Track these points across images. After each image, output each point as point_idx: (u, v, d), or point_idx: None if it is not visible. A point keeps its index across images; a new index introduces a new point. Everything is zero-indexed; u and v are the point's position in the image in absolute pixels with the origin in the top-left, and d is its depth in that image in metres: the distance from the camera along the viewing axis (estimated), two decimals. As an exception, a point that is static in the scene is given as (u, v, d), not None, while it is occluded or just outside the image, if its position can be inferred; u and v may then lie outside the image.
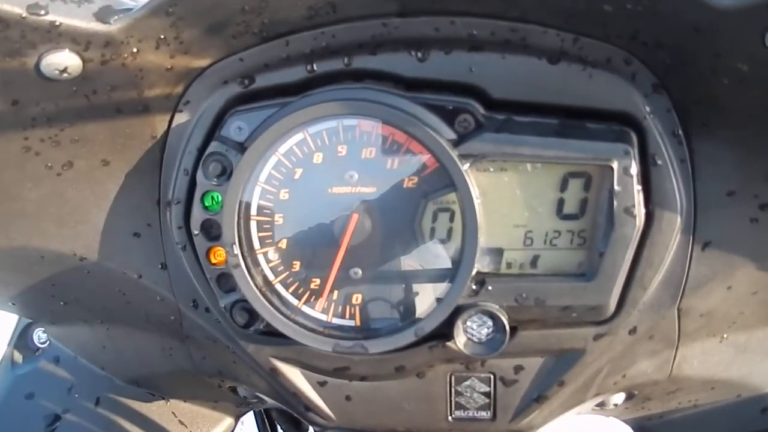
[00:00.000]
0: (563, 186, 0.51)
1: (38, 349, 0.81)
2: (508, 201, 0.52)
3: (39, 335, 0.82)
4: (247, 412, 0.85)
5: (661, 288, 0.54)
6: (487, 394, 0.58)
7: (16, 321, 0.83)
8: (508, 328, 0.51)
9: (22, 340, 0.81)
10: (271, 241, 0.54)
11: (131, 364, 0.74)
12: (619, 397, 0.66)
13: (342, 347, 0.52)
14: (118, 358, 0.74)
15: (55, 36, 0.44)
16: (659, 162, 0.51)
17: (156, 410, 0.78)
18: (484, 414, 0.58)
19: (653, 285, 0.54)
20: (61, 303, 0.67)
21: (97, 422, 0.76)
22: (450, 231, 0.53)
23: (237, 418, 0.82)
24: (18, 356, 0.80)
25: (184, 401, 0.79)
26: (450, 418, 0.58)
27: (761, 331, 0.62)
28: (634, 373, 0.61)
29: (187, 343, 0.66)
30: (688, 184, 0.52)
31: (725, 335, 0.61)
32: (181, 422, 0.79)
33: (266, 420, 0.90)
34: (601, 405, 0.67)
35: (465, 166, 0.49)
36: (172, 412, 0.79)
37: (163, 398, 0.79)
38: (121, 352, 0.73)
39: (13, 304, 0.69)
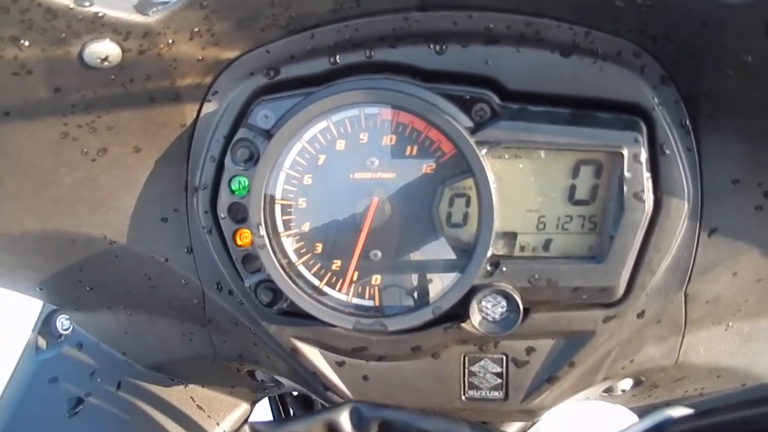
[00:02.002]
0: (575, 173, 0.54)
1: (61, 335, 0.84)
2: (522, 187, 0.54)
3: (62, 322, 0.84)
4: (263, 397, 0.87)
5: (668, 273, 0.56)
6: (499, 375, 0.60)
7: (40, 309, 0.86)
8: (521, 307, 0.53)
9: (46, 326, 0.84)
10: (294, 224, 0.56)
11: (152, 350, 0.76)
12: (627, 383, 0.68)
13: (362, 325, 0.54)
14: (140, 343, 0.77)
15: (98, 26, 0.46)
16: (667, 151, 0.54)
17: (175, 395, 0.81)
18: (496, 394, 0.60)
19: (661, 270, 0.56)
20: (87, 288, 0.69)
21: (118, 405, 0.78)
22: (466, 216, 0.55)
23: (253, 404, 0.84)
24: (42, 342, 0.83)
25: (202, 387, 0.82)
26: (463, 397, 0.60)
27: (765, 321, 0.64)
28: (641, 359, 0.63)
29: (208, 327, 0.68)
30: (695, 172, 0.55)
31: (730, 323, 0.63)
32: (199, 407, 0.82)
33: (281, 405, 0.92)
34: (609, 391, 0.69)
35: (482, 152, 0.52)
36: (191, 397, 0.81)
37: (182, 383, 0.81)
38: (143, 337, 0.75)
39: (40, 289, 0.72)
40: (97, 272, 0.66)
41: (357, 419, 0.50)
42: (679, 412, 0.44)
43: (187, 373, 0.79)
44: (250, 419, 0.85)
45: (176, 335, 0.72)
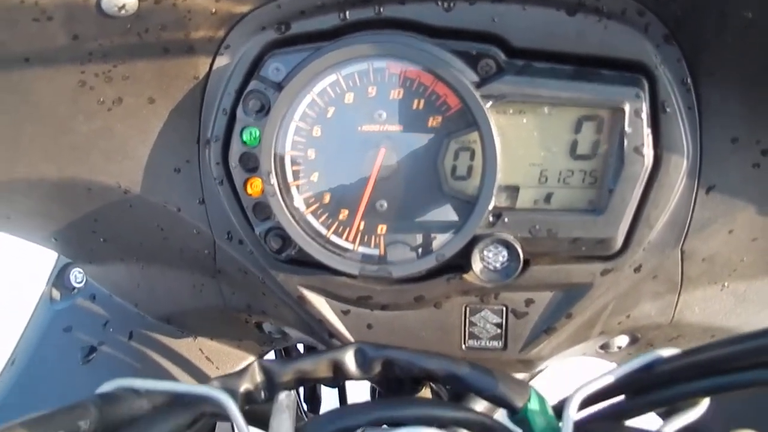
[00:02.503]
0: (577, 128, 0.55)
1: (75, 288, 0.86)
2: (525, 141, 0.56)
3: (76, 275, 0.87)
4: (270, 350, 0.90)
5: (665, 229, 0.58)
6: (499, 326, 0.62)
7: (53, 264, 0.89)
8: (521, 256, 0.55)
9: (59, 279, 0.86)
10: (303, 174, 0.58)
11: (163, 302, 0.79)
12: (623, 340, 0.70)
13: (367, 271, 0.56)
14: (151, 295, 0.79)
15: None
16: (668, 109, 0.55)
17: (185, 346, 0.84)
18: (495, 344, 0.63)
19: (659, 225, 0.58)
20: (101, 240, 0.71)
21: (130, 354, 0.81)
22: (470, 169, 0.57)
23: (260, 357, 0.87)
24: (56, 294, 0.86)
25: (211, 339, 0.84)
26: (463, 346, 0.63)
27: (760, 281, 0.65)
28: (638, 315, 0.65)
29: (218, 278, 0.70)
30: (694, 130, 0.56)
31: (726, 283, 0.65)
32: (207, 358, 0.84)
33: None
34: (605, 348, 0.72)
35: (486, 106, 0.53)
36: (200, 349, 0.84)
37: (192, 336, 0.84)
38: (154, 290, 0.78)
39: (55, 239, 0.74)
40: (111, 222, 0.68)
41: (361, 358, 0.52)
42: (668, 352, 0.46)
43: (197, 325, 0.82)
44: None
45: (187, 287, 0.74)
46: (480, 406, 0.59)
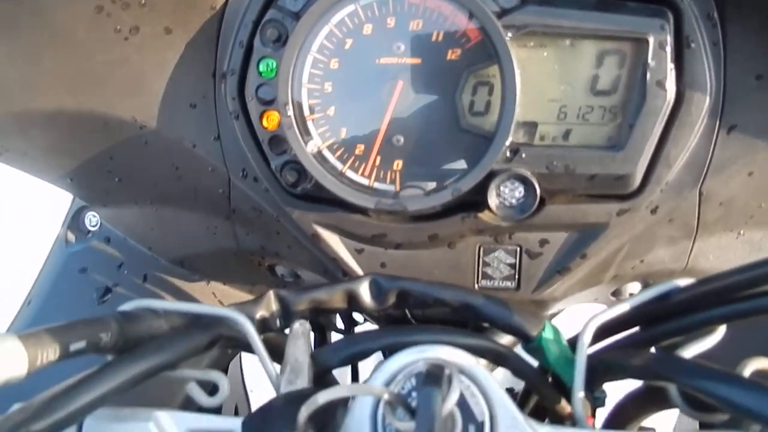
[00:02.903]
0: (599, 62, 0.54)
1: (89, 231, 0.87)
2: (545, 76, 0.55)
3: (90, 219, 0.87)
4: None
5: (684, 169, 0.58)
6: (512, 266, 0.62)
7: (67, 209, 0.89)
8: (538, 191, 0.55)
9: (74, 222, 0.87)
10: (320, 108, 0.57)
11: (177, 244, 0.79)
12: (636, 287, 0.70)
13: (383, 205, 0.56)
14: (165, 238, 0.80)
15: None
16: (693, 44, 0.54)
17: (198, 290, 0.84)
18: (508, 284, 0.63)
19: (678, 164, 0.57)
20: (116, 180, 0.72)
21: (144, 296, 0.82)
22: (488, 104, 0.56)
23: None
24: (71, 236, 0.86)
25: (224, 284, 0.85)
26: (476, 286, 0.63)
27: None
28: (651, 260, 0.64)
29: (232, 219, 0.70)
30: (719, 67, 0.55)
31: (742, 231, 0.64)
32: (220, 302, 0.85)
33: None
34: (617, 294, 0.72)
35: (507, 37, 0.52)
36: (212, 293, 0.85)
37: (205, 280, 0.85)
38: (168, 232, 0.78)
39: (71, 179, 0.74)
40: (127, 160, 0.68)
41: (376, 289, 0.52)
42: (684, 281, 0.46)
43: (210, 269, 0.83)
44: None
45: (200, 229, 0.74)
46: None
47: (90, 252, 0.84)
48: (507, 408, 0.39)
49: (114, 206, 0.80)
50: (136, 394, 0.47)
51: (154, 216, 0.77)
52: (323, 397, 0.35)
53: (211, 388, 0.46)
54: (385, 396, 0.35)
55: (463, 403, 0.38)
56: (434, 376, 0.34)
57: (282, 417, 0.38)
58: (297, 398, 0.40)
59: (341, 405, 0.39)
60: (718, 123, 0.56)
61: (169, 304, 0.47)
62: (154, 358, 0.41)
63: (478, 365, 0.39)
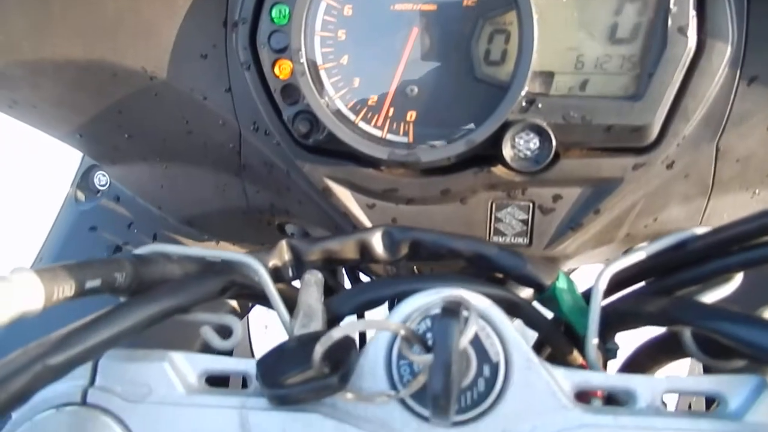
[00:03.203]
0: (619, 9, 0.53)
1: (99, 191, 0.87)
2: (563, 23, 0.54)
3: (99, 178, 0.87)
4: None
5: (702, 122, 0.57)
6: (525, 222, 0.62)
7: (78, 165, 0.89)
8: (554, 142, 0.54)
9: (84, 181, 0.87)
10: (333, 56, 0.57)
11: (186, 203, 0.79)
12: (648, 248, 0.70)
13: (396, 156, 0.55)
14: (174, 197, 0.79)
15: None
16: None
17: (207, 250, 0.84)
18: (520, 240, 0.62)
19: (696, 118, 0.56)
20: (126, 136, 0.71)
21: (154, 255, 0.82)
22: (504, 53, 0.55)
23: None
24: (81, 195, 0.86)
25: (233, 244, 0.85)
26: None
27: None
28: (665, 218, 0.64)
29: (242, 176, 0.70)
30: (741, 17, 0.53)
31: (757, 191, 0.63)
32: None
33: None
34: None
35: (525, -20, 0.51)
36: None
37: (214, 240, 0.85)
38: (177, 191, 0.78)
39: (80, 135, 0.74)
40: (136, 114, 0.67)
41: (388, 240, 0.52)
42: (701, 229, 0.45)
43: (219, 229, 0.83)
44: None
45: (210, 187, 0.74)
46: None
47: (100, 211, 0.84)
48: (522, 350, 0.39)
49: (123, 164, 0.79)
50: (152, 338, 0.47)
51: (164, 174, 0.76)
52: (339, 332, 0.35)
53: (225, 334, 0.46)
54: (402, 331, 0.35)
55: (478, 345, 0.38)
56: (451, 311, 0.34)
57: (297, 355, 0.38)
58: (311, 339, 0.40)
59: (355, 347, 0.39)
60: (738, 74, 0.55)
61: (183, 248, 0.47)
62: (167, 300, 0.41)
63: (493, 306, 0.39)
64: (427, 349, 0.36)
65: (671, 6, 0.51)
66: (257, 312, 1.14)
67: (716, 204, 0.63)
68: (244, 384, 0.42)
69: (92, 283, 0.38)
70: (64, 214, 0.85)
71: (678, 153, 0.58)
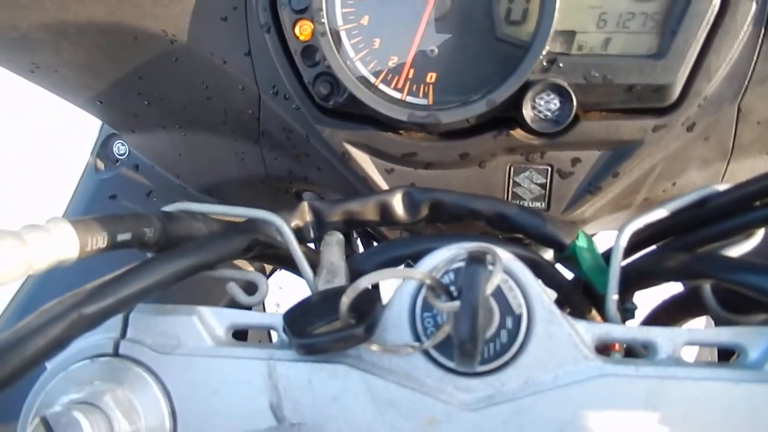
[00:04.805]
0: None
1: (118, 160, 0.88)
2: (585, -20, 0.53)
3: (118, 147, 0.88)
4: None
5: (725, 82, 0.56)
6: (543, 186, 0.62)
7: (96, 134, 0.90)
8: (575, 102, 0.54)
9: (103, 150, 0.88)
10: (353, 17, 0.56)
11: (204, 172, 0.80)
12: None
13: (416, 117, 0.56)
14: (193, 165, 0.80)
15: None
16: None
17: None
18: (538, 204, 0.62)
19: (718, 77, 0.55)
20: (145, 102, 0.72)
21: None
22: (525, 12, 0.54)
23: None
24: (100, 164, 0.87)
25: None
26: None
27: None
28: (683, 183, 0.63)
29: (261, 143, 0.70)
30: None
31: None
32: None
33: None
34: (647, 220, 0.71)
35: (548, -64, 0.51)
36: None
37: None
38: (196, 159, 0.78)
39: (100, 102, 0.74)
40: (156, 80, 0.68)
41: (409, 201, 0.52)
42: (723, 186, 0.45)
43: (237, 197, 0.83)
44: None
45: (228, 155, 0.75)
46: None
47: (119, 179, 0.85)
48: (544, 302, 0.39)
49: (142, 132, 0.80)
50: (179, 294, 0.48)
51: (182, 142, 0.77)
52: (365, 281, 0.36)
53: (250, 291, 0.47)
54: (428, 280, 0.36)
55: (501, 297, 0.39)
56: (478, 260, 0.34)
57: (323, 307, 0.39)
58: (335, 293, 0.40)
59: (379, 300, 0.40)
60: (762, 32, 0.54)
61: (208, 206, 0.47)
62: (194, 256, 0.42)
63: (515, 260, 0.40)
64: (452, 300, 0.36)
65: (696, -39, 0.50)
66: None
67: (735, 168, 0.63)
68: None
69: (123, 237, 0.39)
70: (84, 183, 0.86)
71: (699, 114, 0.57)
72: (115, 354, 0.40)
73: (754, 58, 0.55)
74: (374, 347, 0.38)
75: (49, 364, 0.41)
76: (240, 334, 0.47)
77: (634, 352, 0.44)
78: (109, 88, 0.70)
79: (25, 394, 0.41)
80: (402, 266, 0.50)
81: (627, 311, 0.51)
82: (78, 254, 0.36)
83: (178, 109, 0.72)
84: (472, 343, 0.32)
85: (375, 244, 0.87)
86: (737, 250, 0.45)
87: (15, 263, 0.32)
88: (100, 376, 0.39)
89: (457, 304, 0.33)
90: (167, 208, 0.46)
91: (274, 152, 0.71)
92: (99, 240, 0.37)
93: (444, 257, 0.39)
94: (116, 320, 0.41)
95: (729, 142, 0.60)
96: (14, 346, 0.32)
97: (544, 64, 0.54)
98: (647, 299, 0.56)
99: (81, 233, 0.35)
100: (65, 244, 0.35)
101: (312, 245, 0.57)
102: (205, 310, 0.42)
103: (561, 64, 0.54)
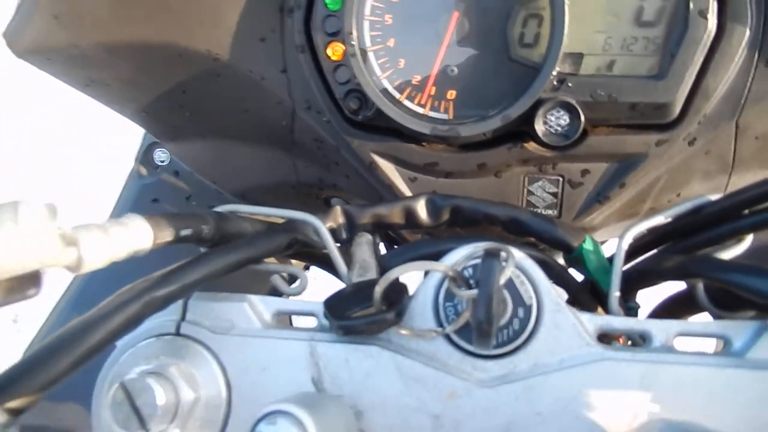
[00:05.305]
0: None
1: (159, 166, 0.95)
2: (592, 8, 0.58)
3: (159, 155, 0.95)
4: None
5: (722, 101, 0.61)
6: (554, 195, 0.67)
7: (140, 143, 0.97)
8: (582, 118, 0.59)
9: (146, 157, 0.95)
10: (380, 40, 0.62)
11: (239, 178, 0.86)
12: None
13: (438, 131, 0.61)
14: (228, 172, 0.86)
15: None
16: None
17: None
18: (551, 212, 0.68)
19: (716, 97, 0.60)
20: (186, 114, 0.78)
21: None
22: (537, 36, 0.60)
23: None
24: (143, 170, 0.94)
25: None
26: None
27: None
28: (687, 194, 0.68)
29: (293, 152, 0.76)
30: (760, 2, 0.58)
31: None
32: None
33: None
34: (653, 228, 0.76)
35: (559, -30, 0.56)
36: None
37: None
38: (231, 166, 0.85)
39: (145, 113, 0.81)
40: (198, 93, 0.74)
41: (431, 206, 0.58)
42: (715, 196, 0.50)
43: (269, 202, 0.89)
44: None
45: (262, 162, 0.81)
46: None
47: (161, 184, 0.92)
48: (551, 295, 0.44)
49: (182, 141, 0.87)
50: (226, 284, 0.54)
51: (219, 150, 0.83)
52: (396, 272, 0.41)
53: (291, 282, 0.53)
54: (450, 272, 0.41)
55: (513, 290, 0.44)
56: (493, 255, 0.40)
57: (359, 296, 0.45)
58: (368, 285, 0.46)
59: (407, 290, 0.46)
60: (756, 56, 0.59)
61: (254, 208, 0.53)
62: (243, 251, 0.48)
63: (527, 258, 0.45)
64: (470, 289, 0.42)
65: (693, -9, 0.56)
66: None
67: (737, 181, 0.67)
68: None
69: (185, 232, 0.45)
70: (129, 187, 0.93)
71: (699, 130, 0.62)
72: (177, 333, 0.46)
73: (750, 79, 0.60)
74: (403, 331, 0.43)
75: (119, 343, 0.47)
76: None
77: (633, 344, 0.49)
78: (155, 101, 0.77)
79: (89, 372, 0.47)
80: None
81: (630, 309, 0.56)
82: (151, 246, 0.42)
83: (216, 121, 0.78)
84: (488, 324, 0.37)
85: (395, 247, 0.93)
86: (729, 254, 0.50)
87: (101, 252, 0.39)
88: (165, 352, 0.45)
89: (475, 291, 0.39)
90: (219, 209, 0.52)
91: (305, 161, 0.77)
92: (167, 234, 0.43)
93: (464, 254, 0.45)
94: (176, 305, 0.47)
95: (729, 156, 0.65)
96: (98, 321, 0.38)
97: (555, 83, 0.60)
98: (649, 301, 0.61)
99: (154, 228, 0.42)
100: (141, 237, 0.41)
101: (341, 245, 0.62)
102: (254, 298, 0.48)
103: (570, 84, 0.60)
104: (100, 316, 0.39)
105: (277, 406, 0.34)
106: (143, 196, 0.91)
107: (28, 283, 0.34)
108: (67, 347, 0.37)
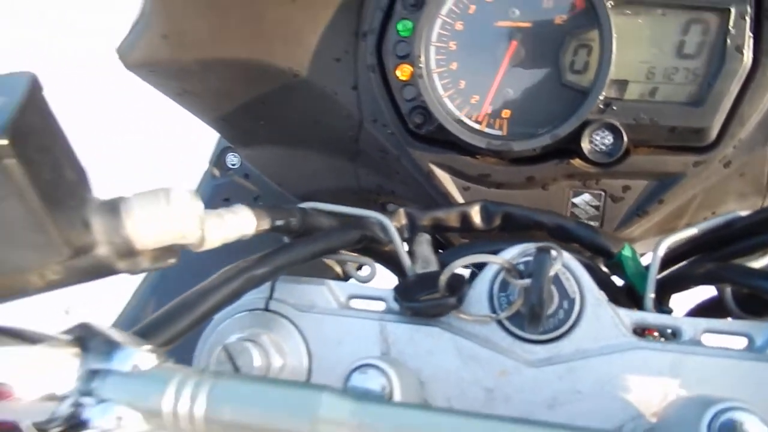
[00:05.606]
0: (685, 30, 0.64)
1: (230, 169, 1.04)
2: (638, 40, 0.65)
3: (231, 159, 1.05)
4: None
5: (757, 128, 0.66)
6: (597, 208, 0.73)
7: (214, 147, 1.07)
8: (625, 139, 0.66)
9: (219, 160, 1.04)
10: (444, 63, 0.70)
11: (304, 182, 0.95)
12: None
13: (493, 146, 0.68)
14: (294, 176, 0.95)
15: None
16: None
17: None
18: (593, 223, 0.74)
19: (751, 123, 0.66)
20: (262, 122, 0.87)
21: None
22: (586, 64, 0.67)
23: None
24: (216, 172, 1.04)
25: None
26: None
27: None
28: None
29: (356, 161, 0.84)
30: None
31: None
32: None
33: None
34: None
35: (609, 5, 0.63)
36: None
37: None
38: (297, 171, 0.93)
39: (223, 120, 0.90)
40: (275, 105, 0.83)
41: (485, 212, 0.64)
42: (746, 212, 0.56)
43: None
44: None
45: (326, 169, 0.89)
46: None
47: (232, 185, 1.02)
48: (593, 291, 0.51)
49: (254, 146, 0.96)
50: (299, 271, 0.62)
51: (287, 156, 0.92)
52: (459, 262, 0.49)
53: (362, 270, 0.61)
54: (506, 265, 0.48)
55: (559, 284, 0.51)
56: (545, 251, 0.46)
57: (424, 283, 0.52)
58: (430, 276, 0.54)
59: (466, 281, 0.53)
60: None
61: (331, 206, 0.61)
62: (323, 243, 0.56)
63: (572, 258, 0.52)
64: (523, 279, 0.49)
65: (730, 28, 0.62)
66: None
67: None
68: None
69: (279, 222, 0.53)
70: (203, 187, 1.03)
71: (734, 154, 0.68)
72: (266, 309, 0.54)
73: None
74: (462, 316, 0.50)
75: (216, 316, 0.55)
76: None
77: (664, 338, 0.55)
78: (236, 110, 0.86)
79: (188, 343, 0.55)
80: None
81: (663, 312, 0.61)
82: (253, 232, 0.50)
83: (288, 130, 0.87)
84: (539, 306, 0.44)
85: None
86: (756, 264, 0.55)
87: (218, 234, 0.47)
88: (256, 324, 0.53)
89: (528, 281, 0.46)
90: (302, 206, 0.60)
91: (366, 169, 0.85)
92: (265, 223, 0.52)
93: (517, 251, 0.52)
94: (265, 285, 0.55)
95: (763, 178, 0.70)
96: (211, 290, 0.47)
97: (601, 106, 0.66)
98: (680, 309, 0.67)
99: (257, 217, 0.50)
100: (247, 224, 0.49)
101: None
102: (331, 282, 0.56)
103: (615, 108, 0.66)
104: (212, 287, 0.47)
105: (366, 360, 0.41)
106: (215, 196, 1.01)
107: (169, 253, 0.42)
108: (188, 310, 0.45)
